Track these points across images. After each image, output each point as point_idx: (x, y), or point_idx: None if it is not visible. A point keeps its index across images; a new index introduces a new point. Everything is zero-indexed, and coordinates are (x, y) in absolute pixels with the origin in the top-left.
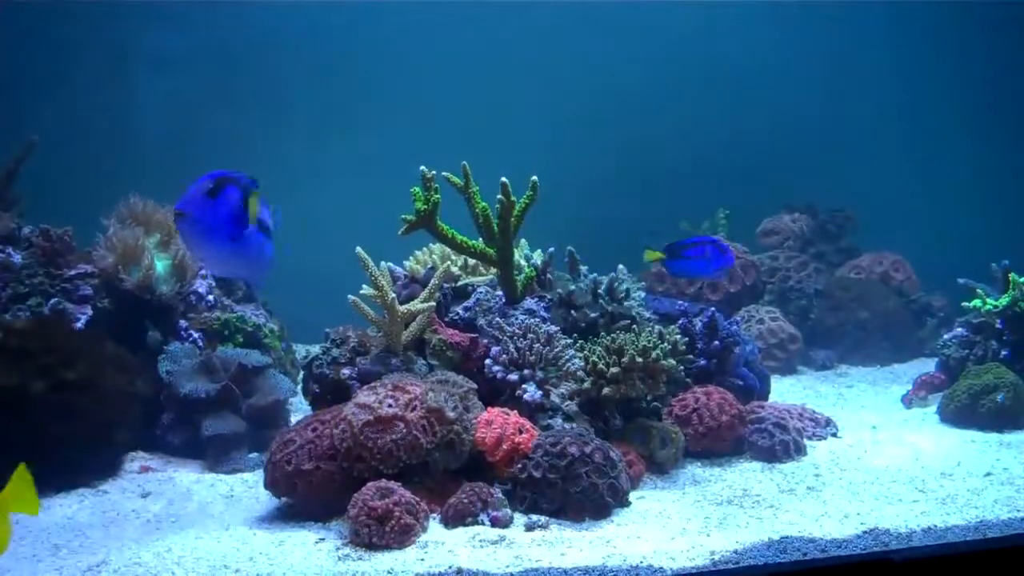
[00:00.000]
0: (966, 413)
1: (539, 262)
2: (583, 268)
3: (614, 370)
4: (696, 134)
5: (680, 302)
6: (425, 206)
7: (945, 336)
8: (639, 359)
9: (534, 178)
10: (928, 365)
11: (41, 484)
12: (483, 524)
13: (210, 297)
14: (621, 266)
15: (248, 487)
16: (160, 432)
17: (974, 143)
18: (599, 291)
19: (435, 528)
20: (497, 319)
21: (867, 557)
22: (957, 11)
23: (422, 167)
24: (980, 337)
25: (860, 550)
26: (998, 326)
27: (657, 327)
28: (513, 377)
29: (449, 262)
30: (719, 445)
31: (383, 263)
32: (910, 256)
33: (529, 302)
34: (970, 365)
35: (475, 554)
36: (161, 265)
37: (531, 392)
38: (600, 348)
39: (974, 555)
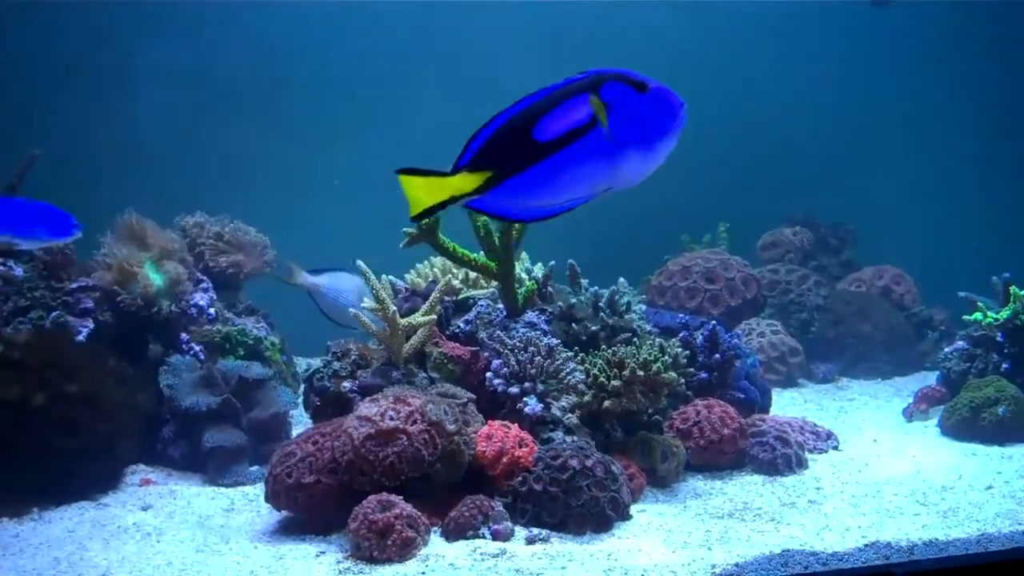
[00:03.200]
0: (967, 426)
1: (540, 275)
2: (584, 281)
3: (615, 383)
4: (696, 147)
5: (681, 315)
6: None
7: (946, 349)
8: (640, 372)
9: None
10: (929, 378)
11: (42, 497)
12: (484, 538)
13: (211, 310)
14: (622, 279)
15: (249, 500)
16: (161, 445)
17: (976, 155)
18: (600, 304)
19: (436, 542)
20: (498, 332)
21: (869, 570)
22: (959, 21)
23: None
24: (981, 350)
25: (862, 563)
26: (999, 339)
27: (658, 340)
28: (514, 390)
29: (450, 275)
30: (720, 458)
31: (384, 276)
32: (911, 269)
33: (530, 315)
34: (971, 378)
35: (476, 567)
36: (160, 279)
37: (532, 405)
38: (601, 361)
39: (976, 568)
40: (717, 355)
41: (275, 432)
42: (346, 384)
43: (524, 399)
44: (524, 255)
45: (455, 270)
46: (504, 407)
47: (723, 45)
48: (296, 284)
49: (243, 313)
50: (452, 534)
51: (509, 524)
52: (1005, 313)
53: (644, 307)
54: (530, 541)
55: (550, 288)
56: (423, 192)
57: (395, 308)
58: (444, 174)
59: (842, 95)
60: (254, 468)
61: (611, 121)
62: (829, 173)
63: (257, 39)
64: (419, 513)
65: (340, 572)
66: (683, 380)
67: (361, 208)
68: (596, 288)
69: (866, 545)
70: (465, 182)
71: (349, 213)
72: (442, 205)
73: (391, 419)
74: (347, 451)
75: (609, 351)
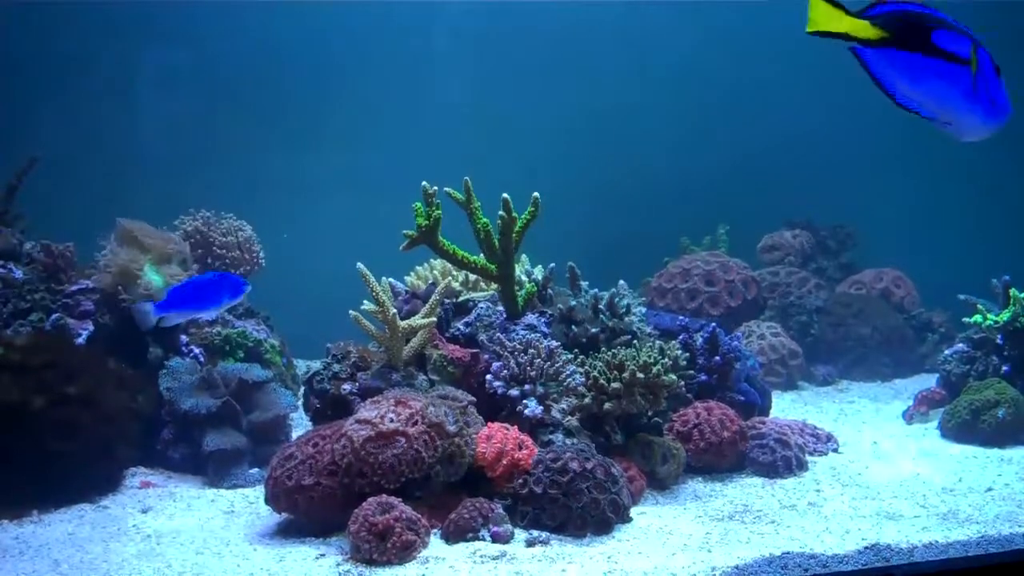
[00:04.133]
0: (967, 429)
1: (540, 277)
2: (584, 284)
3: (615, 385)
4: (697, 150)
5: (681, 317)
6: (426, 221)
7: (946, 352)
8: (640, 374)
9: (535, 194)
10: (929, 381)
11: (42, 499)
12: (484, 540)
13: None
14: (622, 281)
15: (249, 503)
16: (161, 447)
17: (976, 157)
18: (600, 306)
19: (436, 544)
20: (498, 334)
21: (869, 573)
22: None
23: (423, 182)
24: (981, 353)
25: (861, 566)
26: (999, 341)
27: (658, 342)
28: (514, 392)
29: (450, 277)
30: (720, 461)
31: (384, 278)
32: (911, 272)
33: (530, 317)
34: (971, 381)
35: (476, 570)
36: (160, 281)
37: (532, 407)
38: (601, 363)
39: (976, 570)
40: (717, 357)
41: (275, 434)
42: (346, 386)
43: (524, 401)
44: (524, 257)
45: (455, 272)
46: (504, 409)
47: (724, 46)
48: None
49: (243, 315)
50: (452, 536)
51: (509, 526)
52: (1005, 316)
53: (644, 309)
54: (530, 543)
55: (550, 290)
56: (824, 17)
57: (395, 310)
58: (851, 12)
59: (843, 96)
60: (254, 471)
61: (977, 75)
62: (829, 175)
63: (259, 40)
64: (419, 515)
65: (340, 574)
66: (683, 382)
67: (361, 210)
68: (596, 290)
69: (866, 547)
70: (865, 28)
71: (349, 216)
72: (836, 35)
73: (391, 421)
74: (347, 453)
75: (609, 353)
